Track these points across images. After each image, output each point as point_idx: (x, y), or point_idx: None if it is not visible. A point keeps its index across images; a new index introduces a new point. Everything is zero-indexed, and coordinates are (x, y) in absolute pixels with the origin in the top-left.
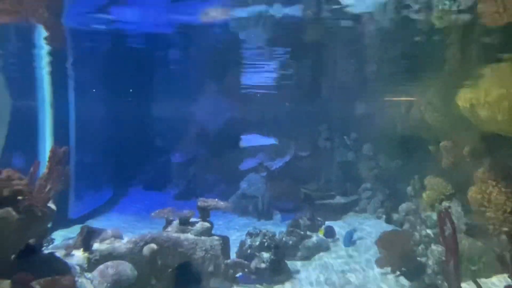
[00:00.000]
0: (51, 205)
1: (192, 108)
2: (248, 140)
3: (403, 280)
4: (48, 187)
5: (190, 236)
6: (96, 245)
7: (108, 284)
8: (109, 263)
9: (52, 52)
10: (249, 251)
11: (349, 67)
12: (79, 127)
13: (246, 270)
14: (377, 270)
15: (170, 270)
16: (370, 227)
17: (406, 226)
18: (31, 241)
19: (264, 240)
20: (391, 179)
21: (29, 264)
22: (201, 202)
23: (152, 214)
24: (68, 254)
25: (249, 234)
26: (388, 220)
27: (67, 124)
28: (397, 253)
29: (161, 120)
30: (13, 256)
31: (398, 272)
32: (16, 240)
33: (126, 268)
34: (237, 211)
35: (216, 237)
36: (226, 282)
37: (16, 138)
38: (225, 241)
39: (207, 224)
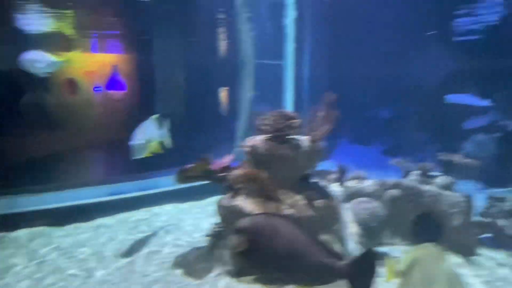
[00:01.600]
0: (323, 142)
1: (401, 63)
2: (460, 99)
3: None
4: (324, 127)
5: (432, 188)
6: (349, 182)
7: (363, 216)
8: (363, 198)
9: (298, 15)
10: (494, 215)
11: None
12: (312, 83)
13: (493, 233)
14: None
15: (410, 218)
16: None
17: None
18: (309, 170)
19: None
20: None
21: (307, 187)
22: (444, 155)
23: (392, 161)
24: (328, 186)
25: (493, 198)
26: None
27: (303, 80)
28: None
29: (370, 76)
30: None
31: None
32: (303, 166)
33: (378, 206)
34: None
35: (459, 194)
36: (469, 239)
37: (265, 91)
38: (469, 199)
39: (450, 179)
